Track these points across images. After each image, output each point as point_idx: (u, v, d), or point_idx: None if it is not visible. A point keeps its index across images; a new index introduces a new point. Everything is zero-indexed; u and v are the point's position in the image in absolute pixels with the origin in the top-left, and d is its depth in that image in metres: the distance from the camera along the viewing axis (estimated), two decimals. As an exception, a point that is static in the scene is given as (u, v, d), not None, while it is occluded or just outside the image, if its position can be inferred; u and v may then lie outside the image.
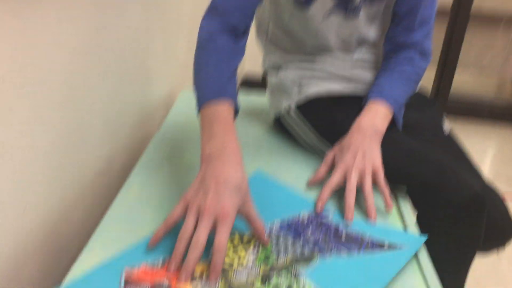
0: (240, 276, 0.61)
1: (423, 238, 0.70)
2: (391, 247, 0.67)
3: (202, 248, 0.59)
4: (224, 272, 0.61)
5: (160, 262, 0.62)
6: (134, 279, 0.59)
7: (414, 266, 0.65)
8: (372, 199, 0.76)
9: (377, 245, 0.68)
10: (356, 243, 0.68)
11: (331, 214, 0.76)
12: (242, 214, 0.65)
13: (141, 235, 0.68)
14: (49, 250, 0.73)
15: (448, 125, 1.02)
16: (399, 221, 0.77)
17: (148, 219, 0.72)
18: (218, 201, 0.62)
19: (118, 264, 0.62)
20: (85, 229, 0.83)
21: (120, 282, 0.58)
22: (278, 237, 0.69)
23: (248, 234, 0.69)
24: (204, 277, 0.60)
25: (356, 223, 0.73)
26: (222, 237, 0.60)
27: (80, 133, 0.80)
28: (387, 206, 0.77)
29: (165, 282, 0.59)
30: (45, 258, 0.72)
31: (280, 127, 1.05)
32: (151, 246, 0.64)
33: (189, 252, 0.59)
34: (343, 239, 0.69)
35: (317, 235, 0.70)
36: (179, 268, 0.60)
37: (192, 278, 0.59)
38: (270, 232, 0.70)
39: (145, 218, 0.73)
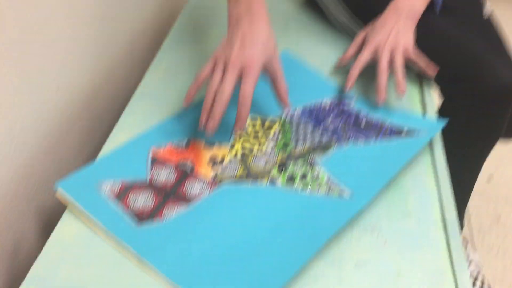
0: (259, 162, 0.65)
1: (442, 123, 0.71)
2: (409, 133, 0.69)
3: (228, 98, 0.61)
4: (244, 157, 0.65)
5: (185, 142, 0.67)
6: (160, 158, 0.64)
7: (427, 160, 0.68)
8: (402, 75, 0.74)
9: (395, 132, 0.70)
10: (375, 130, 0.70)
11: (354, 101, 0.76)
12: (268, 70, 0.66)
13: (170, 112, 0.72)
14: (83, 126, 0.78)
15: (489, 7, 0.95)
16: (420, 108, 0.77)
17: (176, 96, 0.75)
18: (243, 53, 0.63)
19: (145, 142, 0.66)
20: (115, 107, 0.87)
21: (147, 160, 0.63)
22: (298, 125, 0.71)
23: (269, 119, 0.71)
24: (225, 162, 0.64)
25: (377, 110, 0.75)
26: (246, 88, 0.62)
27: (109, 10, 0.79)
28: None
29: (189, 163, 0.64)
30: (79, 135, 0.77)
31: (311, 3, 1.00)
32: (186, 105, 0.67)
33: (215, 104, 0.61)
34: (362, 126, 0.71)
35: (337, 123, 0.72)
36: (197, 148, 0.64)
37: (214, 163, 0.64)
38: (291, 119, 0.72)
39: (173, 95, 0.75)
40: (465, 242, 1.18)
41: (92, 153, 0.79)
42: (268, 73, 0.67)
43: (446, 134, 0.73)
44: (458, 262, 0.55)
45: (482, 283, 1.09)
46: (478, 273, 1.13)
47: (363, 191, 0.60)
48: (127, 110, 0.73)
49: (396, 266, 0.54)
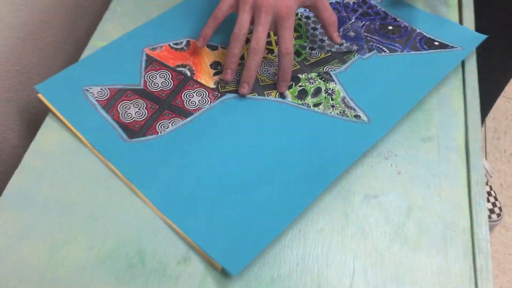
0: (267, 70, 0.57)
1: (481, 37, 0.61)
2: (442, 45, 0.60)
3: (263, 51, 0.52)
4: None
5: (184, 43, 0.58)
6: (155, 60, 0.56)
7: (457, 78, 0.60)
8: None
9: (427, 42, 0.61)
10: (403, 37, 0.61)
11: None
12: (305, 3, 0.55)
13: (168, 3, 0.62)
14: (66, 14, 0.68)
15: None
16: (457, 15, 0.67)
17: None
18: None
19: (137, 41, 0.57)
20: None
21: (140, 62, 0.56)
22: (315, 28, 0.62)
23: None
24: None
25: (407, 11, 0.65)
26: (286, 37, 0.52)
27: None
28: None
29: (189, 68, 0.56)
30: (63, 23, 0.67)
31: None
32: (201, 44, 0.56)
33: (249, 58, 0.52)
34: (388, 31, 0.62)
35: (359, 25, 0.62)
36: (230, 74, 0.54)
37: (217, 69, 0.56)
38: (308, 18, 0.63)
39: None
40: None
41: (78, 46, 0.71)
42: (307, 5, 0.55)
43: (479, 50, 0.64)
44: (478, 199, 0.50)
45: (489, 193, 1.08)
46: (487, 181, 1.11)
47: (383, 117, 0.53)
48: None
49: (408, 200, 0.50)
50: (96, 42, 0.58)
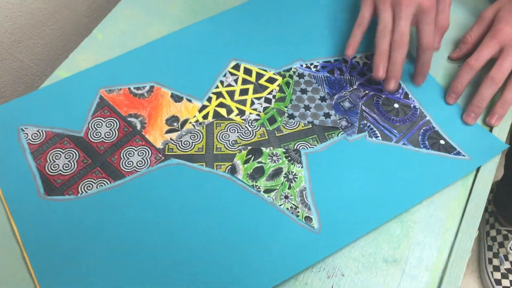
0: (228, 136, 0.49)
1: (503, 147, 0.49)
2: (446, 149, 0.48)
3: (408, 39, 0.50)
4: (211, 125, 0.49)
5: (147, 88, 0.52)
6: (108, 104, 0.50)
7: (461, 187, 0.47)
8: None
9: (431, 138, 0.49)
10: (406, 122, 0.50)
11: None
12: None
13: (142, 39, 0.56)
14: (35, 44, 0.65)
15: None
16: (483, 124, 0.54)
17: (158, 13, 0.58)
18: None
19: (93, 80, 0.52)
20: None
21: (91, 104, 0.50)
22: (304, 90, 0.52)
23: (274, 71, 0.53)
24: (186, 125, 0.49)
25: (426, 87, 0.53)
26: (428, 31, 0.50)
27: None
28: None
29: (142, 118, 0.49)
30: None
31: None
32: (351, 53, 0.53)
33: (394, 52, 0.50)
34: (392, 109, 0.51)
35: (359, 95, 0.52)
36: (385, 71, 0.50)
37: (171, 125, 0.49)
38: (301, 77, 0.53)
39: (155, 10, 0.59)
40: None
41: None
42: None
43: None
44: None
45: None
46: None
47: (338, 230, 0.43)
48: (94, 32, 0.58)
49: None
50: (61, 73, 0.53)
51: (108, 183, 0.45)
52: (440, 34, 0.54)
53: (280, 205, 0.44)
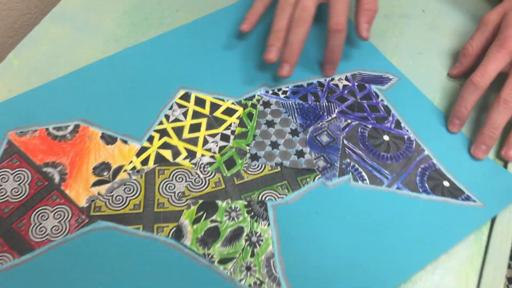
0: (174, 187, 0.38)
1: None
2: (452, 193, 0.38)
3: (312, 18, 0.42)
4: (152, 173, 0.38)
5: (71, 128, 0.41)
6: (19, 151, 0.39)
7: (476, 240, 0.37)
8: None
9: (432, 178, 0.39)
10: (399, 160, 0.39)
11: (388, 87, 0.44)
12: None
13: (62, 68, 0.45)
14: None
15: None
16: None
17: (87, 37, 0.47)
18: None
19: (5, 117, 0.41)
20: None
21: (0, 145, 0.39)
22: (271, 123, 0.42)
23: (233, 100, 0.43)
24: (119, 175, 0.38)
25: (421, 111, 0.43)
26: (338, 9, 0.42)
27: None
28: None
29: (63, 167, 0.38)
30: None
31: None
32: (246, 28, 0.45)
33: (292, 31, 0.41)
34: (381, 143, 0.41)
35: (341, 124, 0.42)
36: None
37: (100, 175, 0.38)
38: (267, 106, 0.43)
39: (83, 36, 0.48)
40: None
41: None
42: None
43: None
44: None
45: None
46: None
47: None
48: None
49: None
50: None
51: (11, 258, 0.34)
52: (367, 19, 0.44)
53: (241, 280, 0.33)
